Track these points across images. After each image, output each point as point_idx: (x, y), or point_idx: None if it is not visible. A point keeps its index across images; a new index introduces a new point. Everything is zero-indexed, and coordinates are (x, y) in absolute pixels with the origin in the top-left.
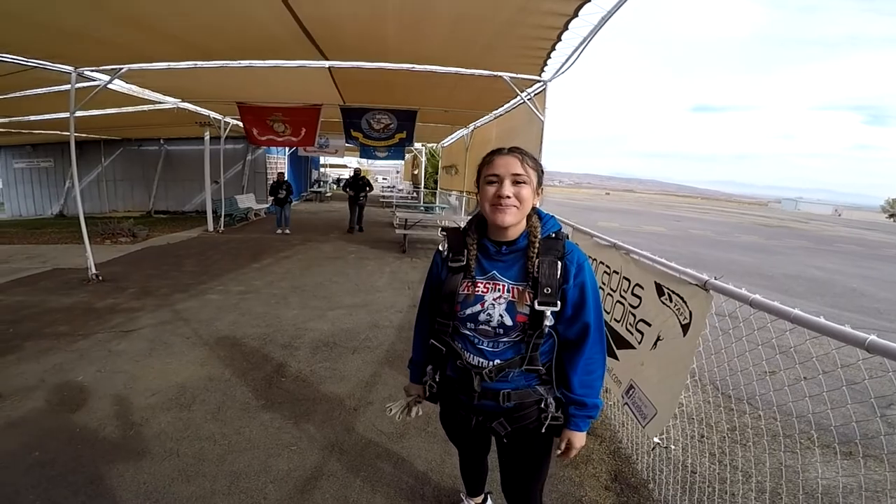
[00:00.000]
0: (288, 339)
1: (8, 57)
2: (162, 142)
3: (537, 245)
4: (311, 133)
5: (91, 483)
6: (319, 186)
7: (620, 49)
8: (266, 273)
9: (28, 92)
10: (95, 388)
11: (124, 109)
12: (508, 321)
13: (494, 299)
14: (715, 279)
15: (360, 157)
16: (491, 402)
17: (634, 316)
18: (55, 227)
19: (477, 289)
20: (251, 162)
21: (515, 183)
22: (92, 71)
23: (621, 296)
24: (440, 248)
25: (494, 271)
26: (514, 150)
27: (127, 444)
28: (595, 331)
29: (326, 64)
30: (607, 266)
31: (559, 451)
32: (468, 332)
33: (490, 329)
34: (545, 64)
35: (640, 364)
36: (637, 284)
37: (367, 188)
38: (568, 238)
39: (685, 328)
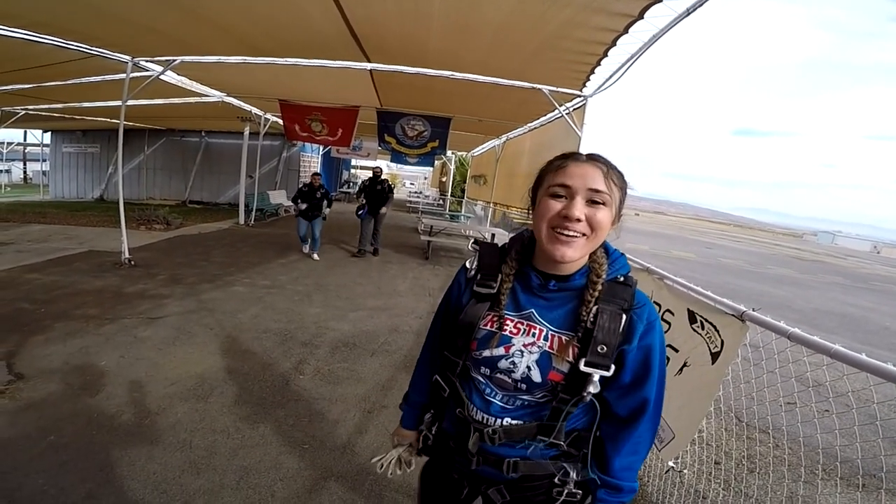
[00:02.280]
0: (309, 337)
1: (73, 44)
2: (203, 134)
3: (599, 288)
4: (347, 134)
5: (101, 470)
6: (349, 187)
7: (663, 66)
8: (291, 269)
9: (86, 79)
10: (117, 373)
11: (172, 100)
12: (537, 377)
13: (525, 345)
14: (753, 311)
15: (391, 161)
16: (492, 470)
17: None
18: (94, 211)
19: (505, 327)
20: (286, 159)
21: (592, 203)
22: (147, 61)
23: None
24: (467, 265)
25: (532, 310)
26: (595, 158)
27: (141, 432)
28: (654, 408)
29: (368, 66)
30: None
31: None
32: (479, 378)
33: (510, 381)
34: (588, 79)
35: None
36: (668, 310)
37: (389, 195)
38: (637, 285)
39: (714, 356)
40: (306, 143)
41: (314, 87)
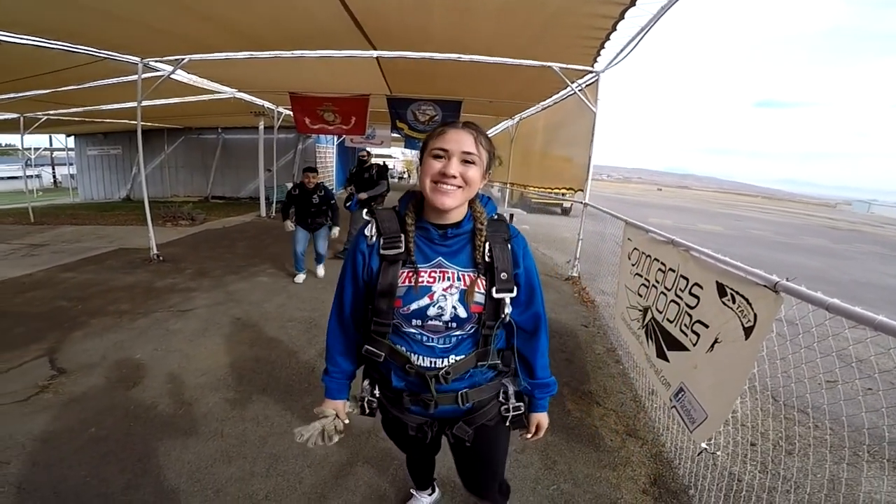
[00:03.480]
0: None
1: (82, 48)
2: (220, 130)
3: (484, 229)
4: (360, 122)
5: (139, 461)
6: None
7: (679, 39)
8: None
9: (100, 82)
10: (151, 365)
11: (186, 99)
12: (463, 312)
13: (445, 289)
14: (787, 281)
15: (405, 147)
16: (449, 407)
17: (690, 317)
18: (122, 210)
19: (421, 279)
20: (302, 151)
21: (464, 162)
22: (156, 61)
23: (677, 295)
24: (366, 233)
25: (440, 257)
26: (468, 126)
27: (176, 422)
28: (545, 318)
29: (374, 54)
30: (662, 263)
31: (528, 435)
32: (413, 331)
33: (441, 324)
34: (598, 54)
35: (692, 367)
36: (696, 284)
37: (381, 181)
38: (511, 221)
39: (748, 331)
40: (319, 136)
41: (324, 78)
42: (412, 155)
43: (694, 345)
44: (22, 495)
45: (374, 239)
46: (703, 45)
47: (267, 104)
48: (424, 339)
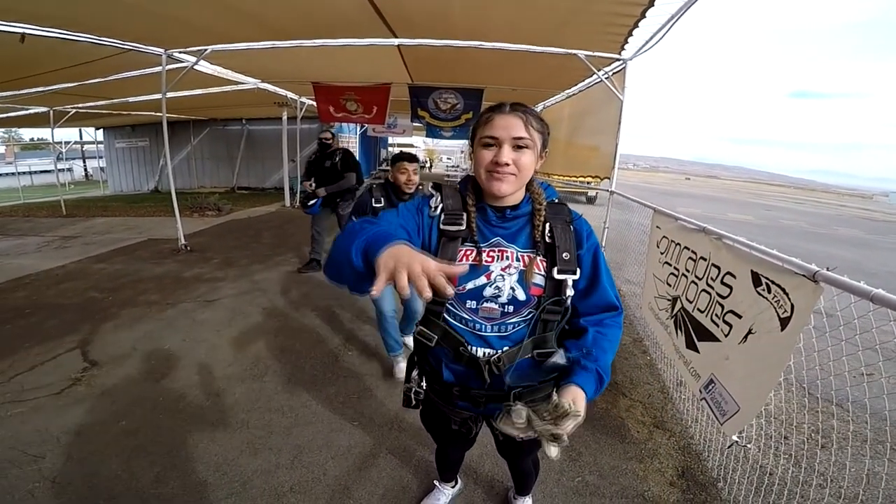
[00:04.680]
0: (356, 312)
1: (107, 40)
2: (244, 122)
3: (544, 211)
4: (381, 111)
5: (168, 454)
6: (387, 166)
7: (709, 27)
8: None
9: (125, 74)
10: (180, 356)
11: (210, 90)
12: (522, 294)
13: (503, 269)
14: (827, 270)
15: (427, 135)
16: (497, 406)
17: (722, 307)
18: (151, 202)
19: (480, 257)
20: None
21: (517, 148)
22: (180, 52)
23: (708, 284)
24: (431, 203)
25: (499, 237)
26: (516, 108)
27: (204, 414)
28: (620, 307)
29: (395, 42)
30: (693, 252)
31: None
32: (465, 315)
33: (497, 307)
34: (626, 42)
35: (724, 358)
36: (728, 273)
37: (349, 174)
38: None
39: (784, 322)
40: (343, 124)
41: (345, 67)
42: (433, 143)
43: (726, 335)
44: (56, 489)
45: (436, 211)
46: (732, 35)
47: (290, 94)
48: (477, 326)
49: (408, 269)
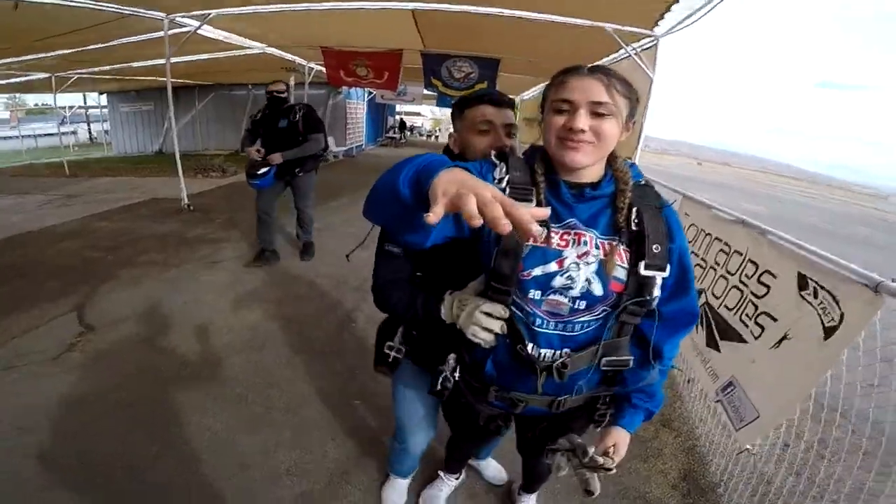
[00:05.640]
0: (360, 282)
1: (105, 5)
2: (250, 87)
3: (629, 192)
4: (392, 77)
5: (164, 428)
6: (394, 133)
7: (737, 11)
8: (342, 211)
9: (127, 39)
10: (179, 322)
11: (215, 55)
12: (599, 289)
13: (579, 256)
14: (893, 281)
15: (437, 104)
16: (538, 409)
17: (755, 307)
18: (155, 163)
19: (551, 240)
20: (332, 107)
21: (595, 115)
22: (183, 17)
23: (741, 281)
24: (494, 174)
25: (574, 219)
26: (597, 71)
27: (202, 386)
28: (697, 314)
29: (410, 6)
30: (726, 244)
31: (598, 457)
32: (528, 308)
33: (566, 301)
34: (661, 17)
35: (750, 361)
36: (767, 271)
37: (320, 143)
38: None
39: (829, 331)
40: (351, 91)
41: (356, 32)
42: (441, 113)
43: (756, 338)
44: (45, 467)
45: (501, 184)
46: (755, 19)
47: (298, 60)
48: (537, 322)
49: (475, 193)
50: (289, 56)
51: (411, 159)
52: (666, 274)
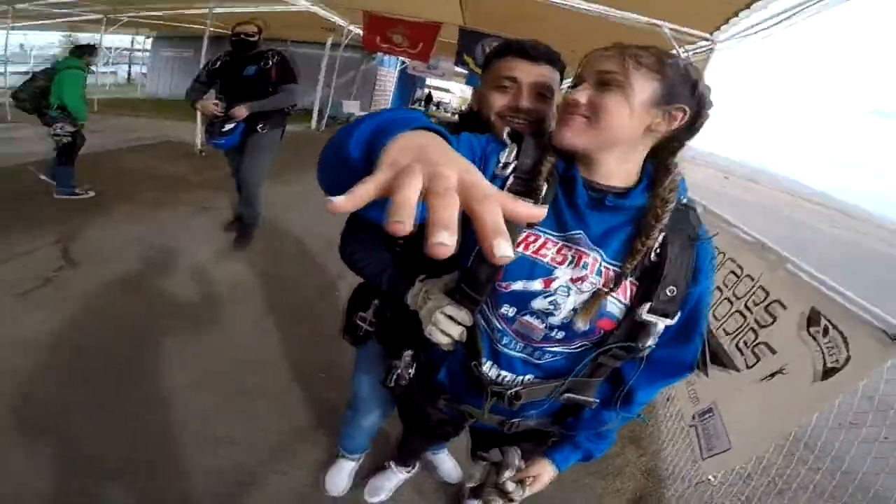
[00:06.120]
0: None
1: None
2: (288, 42)
3: (665, 213)
4: (426, 49)
5: (112, 384)
6: (420, 105)
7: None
8: None
9: None
10: (159, 266)
11: (260, 8)
12: (583, 323)
13: (573, 280)
14: None
15: (466, 83)
16: (490, 426)
17: (756, 335)
18: (182, 108)
19: (544, 252)
20: (363, 72)
21: (600, 85)
22: None
23: (746, 307)
24: (501, 156)
25: (582, 232)
26: (621, 47)
27: (162, 337)
28: (691, 367)
29: None
30: (739, 267)
31: (506, 477)
32: (496, 322)
33: (541, 328)
34: (727, 21)
35: (735, 389)
36: (777, 301)
37: (292, 95)
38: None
39: (828, 372)
40: (384, 58)
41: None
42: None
43: (748, 367)
44: None
45: (506, 170)
46: (804, 36)
47: (339, 21)
48: (504, 340)
49: (432, 172)
50: (331, 16)
51: (375, 113)
52: (672, 322)
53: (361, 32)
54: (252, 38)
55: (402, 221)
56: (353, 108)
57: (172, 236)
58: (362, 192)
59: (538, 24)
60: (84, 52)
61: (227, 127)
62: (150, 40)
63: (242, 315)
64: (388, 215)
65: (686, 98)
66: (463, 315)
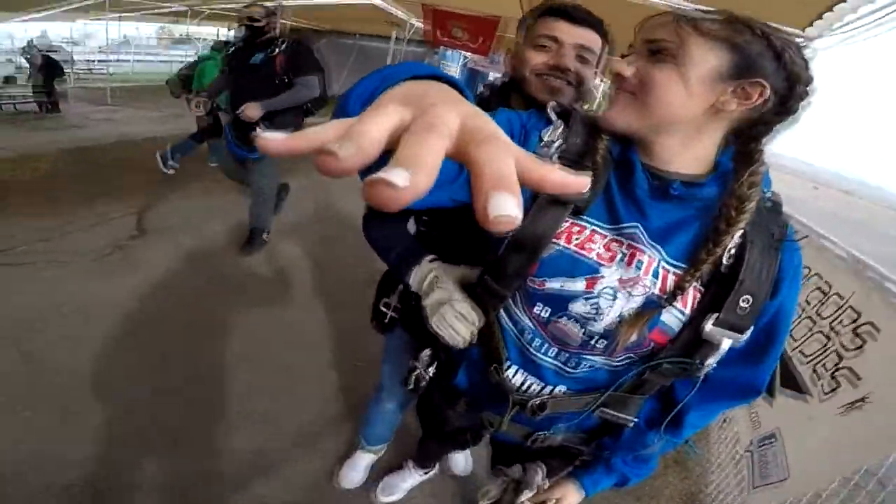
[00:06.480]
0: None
1: None
2: (357, 36)
3: (747, 209)
4: (487, 43)
5: (160, 355)
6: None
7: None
8: None
9: None
10: (224, 241)
11: (329, 0)
12: (632, 334)
13: (622, 282)
14: None
15: None
16: (511, 437)
17: (839, 360)
18: None
19: (590, 248)
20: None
21: (652, 54)
22: None
23: (832, 328)
24: (544, 133)
25: (638, 226)
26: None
27: (211, 311)
28: (763, 390)
29: None
30: (826, 283)
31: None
32: (529, 323)
33: (580, 333)
34: (820, 16)
35: (806, 417)
36: (870, 323)
37: (313, 87)
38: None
39: None
40: (447, 52)
41: None
42: None
43: (825, 393)
44: (30, 369)
45: (549, 149)
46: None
47: (402, 14)
48: (535, 343)
49: (420, 112)
50: (394, 10)
51: (382, 67)
52: (742, 338)
53: (423, 26)
54: (259, 23)
55: (334, 153)
56: None
57: (233, 214)
58: (311, 135)
59: (602, 11)
60: (223, 46)
61: (227, 134)
62: (231, 32)
63: (292, 297)
64: (372, 189)
65: (768, 71)
66: (474, 316)
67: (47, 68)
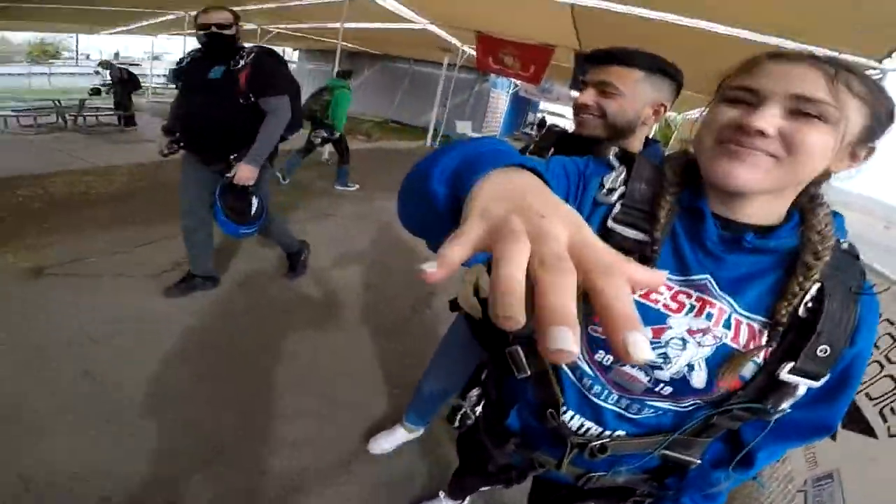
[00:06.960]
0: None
1: None
2: (411, 62)
3: (822, 258)
4: (538, 72)
5: (212, 363)
6: (531, 129)
7: None
8: None
9: (307, 1)
10: (273, 264)
11: (386, 25)
12: (701, 381)
13: (692, 332)
14: None
15: None
16: (563, 477)
17: None
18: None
19: (658, 298)
20: (476, 93)
21: (794, 114)
22: None
23: None
24: (605, 180)
25: (709, 276)
26: (815, 57)
27: (262, 331)
28: (834, 430)
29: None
30: None
31: None
32: (588, 371)
33: (645, 380)
34: None
35: (868, 458)
36: None
37: (287, 108)
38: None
39: None
40: (497, 80)
41: (512, 21)
42: None
43: (891, 435)
44: (88, 382)
45: (609, 195)
46: None
47: (454, 41)
48: (595, 389)
49: (533, 229)
50: (447, 36)
51: (460, 142)
52: (818, 384)
53: (475, 54)
54: (227, 31)
55: (512, 316)
56: (465, 128)
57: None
58: (454, 257)
59: (660, 46)
60: (347, 75)
61: (254, 206)
62: (296, 53)
63: (341, 322)
64: (494, 306)
65: (880, 135)
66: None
67: (126, 83)
